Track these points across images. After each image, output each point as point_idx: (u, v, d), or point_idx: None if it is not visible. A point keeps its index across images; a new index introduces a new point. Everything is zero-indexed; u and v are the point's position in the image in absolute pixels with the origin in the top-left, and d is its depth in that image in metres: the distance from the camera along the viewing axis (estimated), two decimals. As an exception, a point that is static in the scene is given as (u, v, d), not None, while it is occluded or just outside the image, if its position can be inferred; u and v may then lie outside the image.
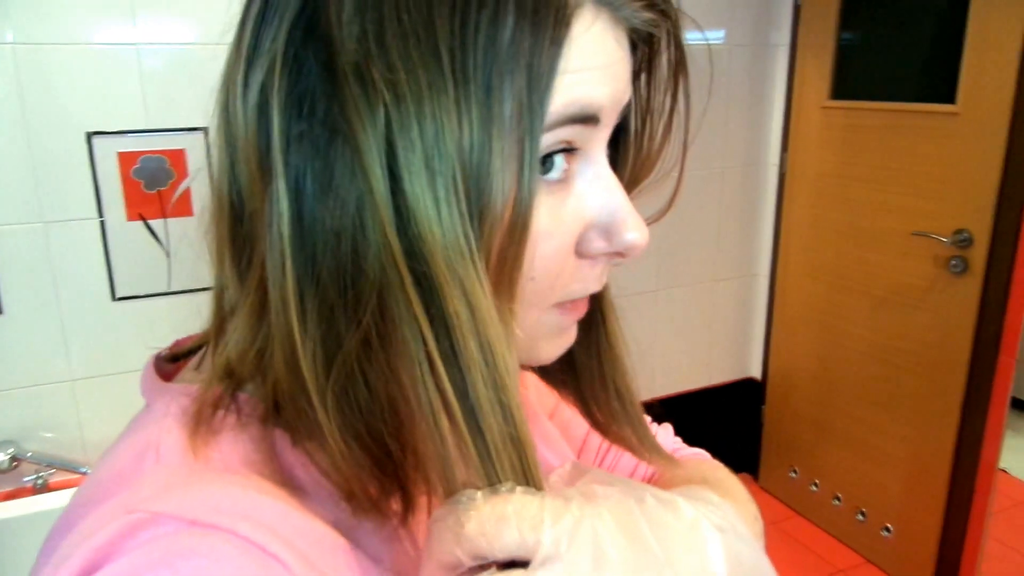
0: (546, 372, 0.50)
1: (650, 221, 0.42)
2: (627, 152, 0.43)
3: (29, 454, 1.70)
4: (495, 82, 0.32)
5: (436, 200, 0.31)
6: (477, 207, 0.32)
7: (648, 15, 0.37)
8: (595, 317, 0.46)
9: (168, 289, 1.77)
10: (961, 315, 1.91)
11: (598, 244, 0.38)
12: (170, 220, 1.74)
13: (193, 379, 0.40)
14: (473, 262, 0.32)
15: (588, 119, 0.35)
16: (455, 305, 0.32)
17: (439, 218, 0.31)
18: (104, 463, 0.36)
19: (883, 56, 2.09)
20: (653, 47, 0.40)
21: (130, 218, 1.71)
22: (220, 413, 0.36)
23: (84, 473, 1.74)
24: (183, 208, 1.75)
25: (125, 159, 1.67)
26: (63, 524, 0.34)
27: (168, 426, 0.36)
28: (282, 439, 0.36)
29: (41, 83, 1.57)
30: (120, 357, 1.77)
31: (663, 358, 2.49)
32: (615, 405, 0.49)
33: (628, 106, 0.40)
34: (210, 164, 0.37)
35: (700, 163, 2.37)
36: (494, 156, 0.32)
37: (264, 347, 0.36)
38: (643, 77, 0.41)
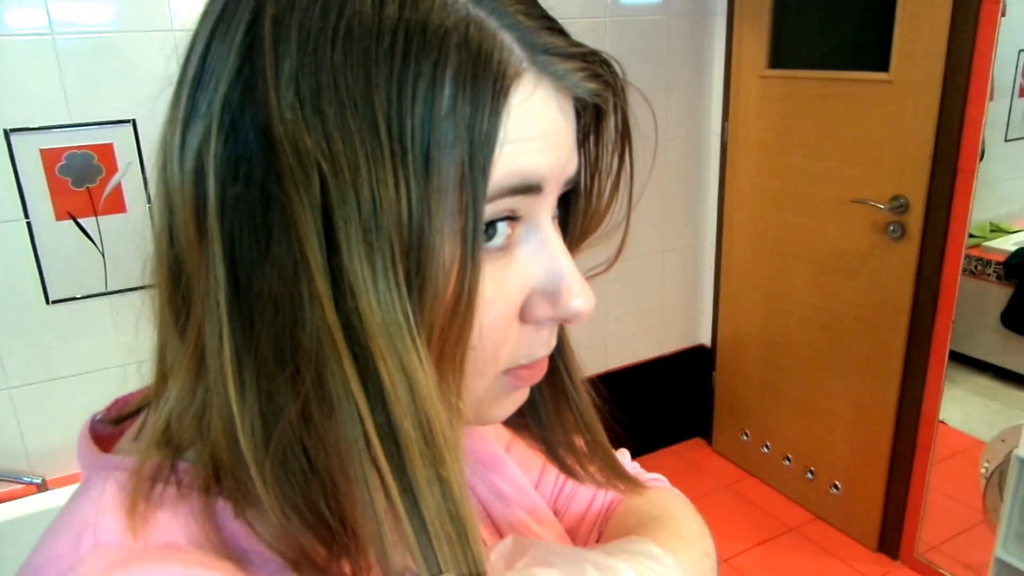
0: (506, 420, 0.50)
1: (595, 273, 0.41)
2: (576, 208, 0.42)
3: (-32, 467, 1.64)
4: (433, 153, 0.31)
5: (375, 274, 0.30)
6: (417, 281, 0.31)
7: (592, 85, 0.36)
8: (554, 364, 0.45)
9: (105, 289, 1.71)
10: (900, 278, 1.96)
11: (542, 310, 0.37)
12: (102, 218, 1.67)
13: (131, 450, 0.38)
14: (412, 337, 0.31)
15: (530, 189, 0.35)
16: (393, 381, 0.31)
17: (377, 292, 0.30)
18: (41, 547, 0.34)
19: (818, 25, 2.11)
20: (600, 110, 0.40)
21: (59, 217, 1.63)
22: (159, 487, 0.34)
23: (29, 483, 1.69)
24: (115, 205, 1.68)
25: (49, 156, 1.60)
26: None
27: (105, 506, 0.34)
28: (224, 509, 0.35)
29: (-49, 80, 1.48)
30: (59, 362, 1.71)
31: (615, 331, 2.52)
32: (581, 445, 0.49)
33: (576, 170, 0.39)
34: (161, 222, 0.35)
35: (642, 135, 2.37)
36: (434, 230, 0.31)
37: (202, 411, 0.34)
38: (591, 138, 0.41)
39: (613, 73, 0.37)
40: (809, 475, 2.37)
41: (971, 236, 1.85)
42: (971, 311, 2.09)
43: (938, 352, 1.94)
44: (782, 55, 2.19)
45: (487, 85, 0.32)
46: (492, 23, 0.33)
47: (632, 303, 2.53)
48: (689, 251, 2.61)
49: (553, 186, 0.36)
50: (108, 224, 1.68)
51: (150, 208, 0.36)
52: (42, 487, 1.70)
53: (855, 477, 2.22)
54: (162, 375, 0.38)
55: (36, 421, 1.71)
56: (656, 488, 0.62)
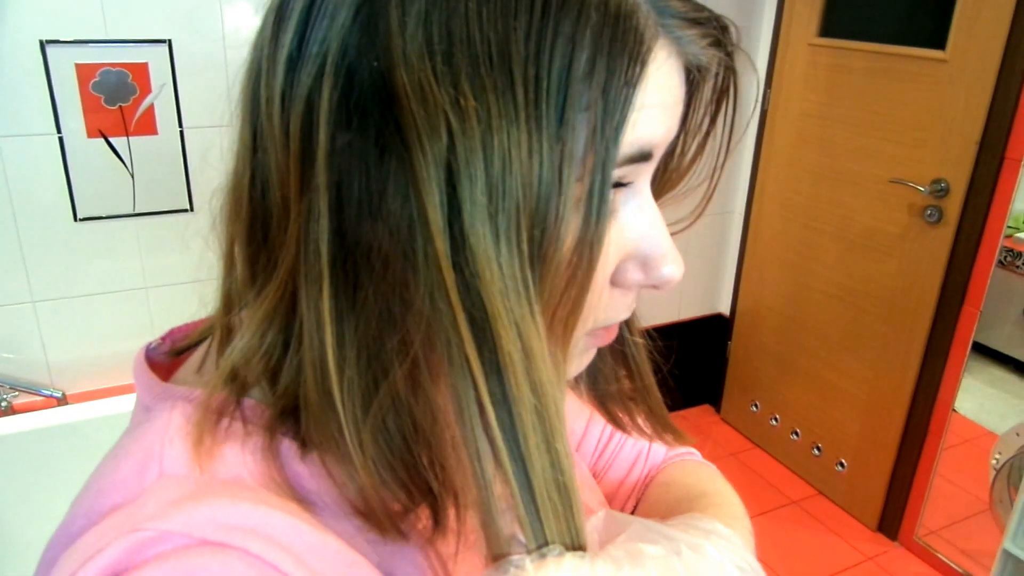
0: None
1: (676, 231, 0.40)
2: (658, 166, 0.41)
3: (-9, 375, 1.66)
4: (568, 116, 0.29)
5: (496, 237, 0.29)
6: (540, 248, 0.30)
7: (712, 52, 0.35)
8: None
9: (133, 211, 1.71)
10: (931, 263, 1.94)
11: (635, 275, 0.37)
12: (133, 138, 1.66)
13: (194, 382, 0.38)
14: (530, 305, 0.30)
15: (644, 157, 0.34)
16: (510, 349, 0.30)
17: (498, 256, 0.29)
18: (105, 470, 0.34)
19: (876, -6, 2.04)
20: (702, 74, 0.38)
21: (90, 135, 1.62)
22: (225, 421, 0.34)
23: (49, 396, 1.71)
24: (147, 126, 1.67)
25: (83, 71, 1.58)
26: (63, 534, 0.33)
27: (171, 436, 0.34)
28: (288, 449, 0.35)
29: (-10, -15, 1.45)
30: (84, 279, 1.72)
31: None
32: (635, 402, 0.49)
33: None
34: (243, 160, 0.34)
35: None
36: (564, 196, 0.30)
37: (276, 354, 0.34)
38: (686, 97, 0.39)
39: (729, 38, 0.36)
40: (816, 451, 2.38)
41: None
42: (996, 302, 2.06)
43: (961, 341, 1.92)
44: (834, 24, 2.12)
45: (625, 50, 0.30)
46: None
47: (654, 266, 2.51)
48: (717, 219, 2.58)
49: (659, 153, 0.35)
50: (139, 145, 1.67)
51: (238, 147, 0.35)
52: (62, 401, 1.73)
53: (862, 456, 2.23)
54: (226, 309, 0.37)
55: (58, 336, 1.73)
56: (694, 461, 0.63)
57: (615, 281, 0.37)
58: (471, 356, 0.30)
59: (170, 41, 1.63)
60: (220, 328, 0.37)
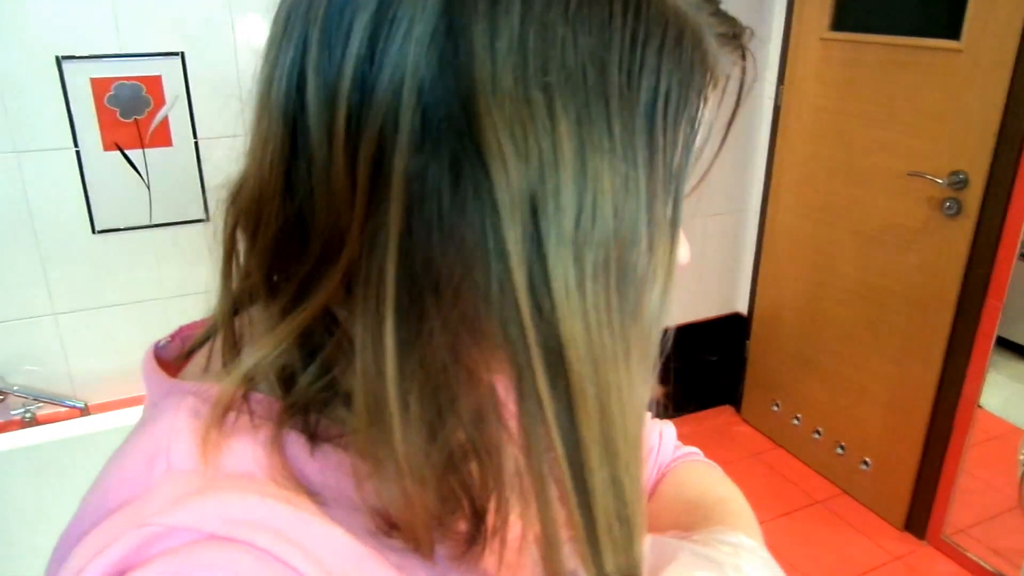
0: None
1: None
2: None
3: (15, 388, 1.69)
4: (656, 144, 0.30)
5: (582, 267, 0.29)
6: (626, 276, 0.30)
7: (739, 62, 0.36)
8: None
9: (150, 222, 1.73)
10: (951, 257, 1.91)
11: None
12: (148, 150, 1.68)
13: (202, 379, 0.37)
14: (612, 335, 0.30)
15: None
16: (583, 383, 0.30)
17: (581, 287, 0.29)
18: (112, 467, 0.34)
19: (888, -14, 2.02)
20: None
21: (106, 148, 1.65)
22: (232, 416, 0.34)
23: (72, 407, 1.73)
24: (162, 138, 1.69)
25: (98, 85, 1.60)
26: (72, 532, 0.33)
27: (178, 430, 0.33)
28: (297, 442, 0.34)
29: (5, 3, 1.48)
30: (103, 291, 1.74)
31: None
32: None
33: None
34: (274, 169, 0.32)
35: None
36: (652, 222, 0.30)
37: (292, 365, 0.34)
38: None
39: (748, 47, 0.36)
40: (839, 450, 2.35)
41: (1031, 217, 1.78)
42: (1019, 295, 2.03)
43: (984, 335, 1.89)
44: (847, 17, 2.10)
45: (701, 78, 0.31)
46: (685, 4, 0.31)
47: (670, 266, 2.49)
48: (732, 217, 2.56)
49: None
50: (154, 157, 1.69)
51: (267, 154, 0.33)
52: (84, 411, 1.75)
53: (886, 454, 2.20)
54: (231, 310, 0.37)
55: (80, 347, 1.75)
56: (702, 462, 0.63)
57: None
58: (542, 390, 0.30)
59: (183, 53, 1.65)
60: (225, 329, 0.37)
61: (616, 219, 0.29)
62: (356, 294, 0.31)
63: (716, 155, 0.41)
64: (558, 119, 0.28)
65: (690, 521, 0.54)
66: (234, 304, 0.37)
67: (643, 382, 0.33)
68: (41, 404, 1.71)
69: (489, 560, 0.36)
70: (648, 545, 0.39)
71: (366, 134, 0.29)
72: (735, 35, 0.34)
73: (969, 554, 2.03)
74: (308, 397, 0.34)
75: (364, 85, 0.29)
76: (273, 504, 0.31)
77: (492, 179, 0.28)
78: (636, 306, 0.31)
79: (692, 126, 0.31)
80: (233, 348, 0.36)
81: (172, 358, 0.42)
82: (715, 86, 0.33)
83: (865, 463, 2.27)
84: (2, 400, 1.67)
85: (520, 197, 0.28)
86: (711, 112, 0.33)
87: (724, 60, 0.34)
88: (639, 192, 0.30)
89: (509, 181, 0.28)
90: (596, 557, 0.32)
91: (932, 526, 2.12)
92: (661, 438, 0.65)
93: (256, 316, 0.36)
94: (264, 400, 0.35)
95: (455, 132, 0.28)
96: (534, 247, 0.28)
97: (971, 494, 2.05)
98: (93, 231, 1.68)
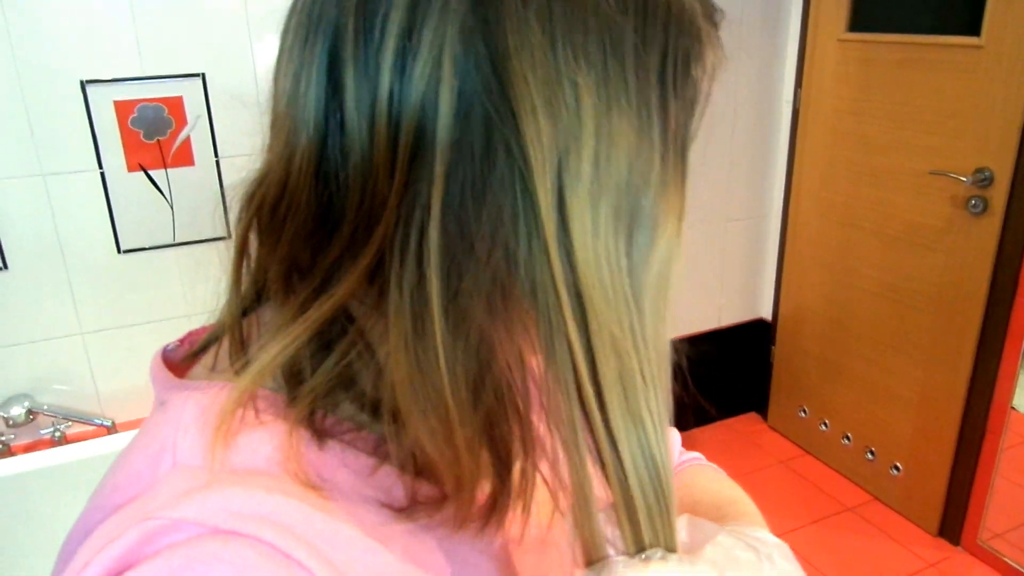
0: None
1: None
2: None
3: (45, 407, 1.71)
4: (668, 101, 0.33)
5: (597, 215, 0.31)
6: (639, 226, 0.32)
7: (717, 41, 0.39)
8: None
9: (174, 240, 1.75)
10: (978, 256, 1.88)
11: None
12: (171, 170, 1.70)
13: (208, 376, 0.38)
14: (631, 282, 0.32)
15: None
16: (612, 328, 0.32)
17: (596, 235, 0.31)
18: (120, 465, 0.35)
19: (905, -15, 2.00)
20: None
21: (130, 169, 1.67)
22: (239, 411, 0.34)
23: (100, 425, 1.75)
24: (184, 158, 1.71)
25: (122, 108, 1.63)
26: (80, 528, 0.33)
27: (184, 427, 0.34)
28: (303, 438, 0.35)
29: (31, 30, 1.51)
30: (129, 310, 1.76)
31: (674, 299, 2.47)
32: None
33: None
34: (304, 155, 0.33)
35: (711, 99, 2.30)
36: (664, 177, 0.33)
37: (304, 359, 0.34)
38: None
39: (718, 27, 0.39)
40: (869, 455, 2.31)
41: (1060, 213, 1.75)
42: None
43: (1016, 335, 1.85)
44: (863, 17, 2.09)
45: (696, 39, 0.34)
46: None
47: (691, 273, 2.48)
48: (753, 222, 2.55)
49: None
50: (177, 177, 1.72)
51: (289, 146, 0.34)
52: (112, 429, 1.77)
53: (918, 459, 2.15)
54: (240, 311, 0.38)
55: (107, 366, 1.78)
56: (710, 466, 0.65)
57: None
58: (572, 335, 0.31)
59: (203, 74, 1.68)
60: (233, 330, 0.37)
61: (629, 170, 0.32)
62: (391, 266, 0.32)
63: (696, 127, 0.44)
64: (583, 79, 0.30)
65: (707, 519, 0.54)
66: (241, 302, 0.37)
67: (658, 328, 0.34)
68: (70, 423, 1.73)
69: (509, 533, 0.38)
70: (684, 523, 0.39)
71: (407, 111, 0.30)
72: (714, 15, 0.37)
73: (1007, 559, 1.98)
74: (316, 392, 0.34)
75: (404, 65, 0.30)
76: (279, 499, 0.31)
77: (524, 139, 0.30)
78: (648, 250, 0.33)
79: (696, 87, 0.34)
80: (241, 349, 0.37)
81: (179, 360, 0.42)
82: (702, 57, 0.36)
83: (896, 468, 2.23)
84: (32, 419, 1.69)
85: (549, 154, 0.30)
86: (707, 78, 0.36)
87: (711, 34, 0.37)
88: (652, 145, 0.32)
89: (540, 139, 0.30)
90: (634, 527, 0.33)
91: (967, 531, 2.07)
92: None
93: (267, 316, 0.37)
94: (270, 396, 0.35)
95: (489, 96, 0.30)
96: (559, 200, 0.31)
97: (1007, 498, 2.01)
98: (118, 251, 1.71)
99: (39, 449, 1.67)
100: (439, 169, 0.30)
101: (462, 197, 0.31)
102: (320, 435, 0.34)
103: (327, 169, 0.32)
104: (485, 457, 0.34)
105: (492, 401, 0.33)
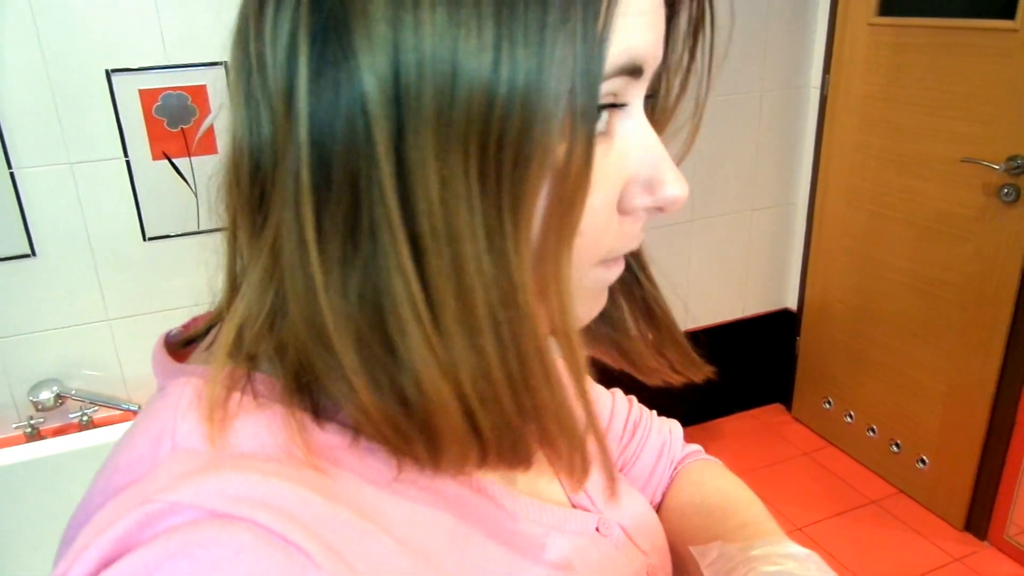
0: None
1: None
2: (645, 108, 0.41)
3: (73, 391, 1.74)
4: (550, 19, 0.28)
5: (444, 153, 0.29)
6: (506, 167, 0.30)
7: None
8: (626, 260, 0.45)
9: (198, 228, 1.77)
10: (1011, 245, 1.83)
11: (640, 199, 0.36)
12: (195, 158, 1.72)
13: (205, 360, 0.38)
14: (484, 226, 0.30)
15: (634, 71, 0.33)
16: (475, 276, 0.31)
17: (441, 174, 0.29)
18: (119, 450, 0.35)
19: (938, -33, 1.95)
20: (674, 6, 0.39)
21: (155, 157, 1.69)
22: (236, 395, 0.34)
23: (127, 410, 1.79)
24: (207, 146, 1.73)
25: (146, 96, 1.65)
26: (81, 513, 0.34)
27: (183, 411, 0.34)
28: (303, 419, 0.35)
29: (57, 20, 1.53)
30: (155, 296, 1.78)
31: (698, 289, 2.46)
32: (656, 335, 0.49)
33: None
34: (239, 124, 0.34)
35: (737, 86, 2.27)
36: (543, 109, 0.29)
37: (275, 309, 0.34)
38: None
39: None
40: (894, 448, 2.28)
41: (1096, 202, 1.70)
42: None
43: (1048, 326, 1.81)
44: (894, 1, 2.04)
45: None
46: None
47: (716, 262, 2.46)
48: (779, 210, 2.51)
49: (649, 71, 0.35)
50: (201, 165, 1.73)
51: (232, 121, 0.35)
52: (137, 414, 1.79)
53: (944, 452, 2.12)
54: (232, 289, 0.38)
55: (133, 352, 1.80)
56: (715, 462, 0.64)
57: (621, 208, 0.36)
58: (407, 267, 0.30)
59: (226, 63, 1.69)
60: (226, 303, 0.38)
61: (483, 102, 0.28)
62: (283, 211, 0.32)
63: (707, 93, 0.41)
64: None
65: (725, 528, 0.54)
66: (234, 283, 0.38)
67: (513, 272, 0.31)
68: (97, 407, 1.76)
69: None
70: (716, 553, 0.39)
71: (277, 57, 0.31)
72: None
73: (1036, 555, 1.94)
74: (300, 361, 0.34)
75: (279, 6, 0.31)
76: (275, 482, 0.31)
77: (354, 65, 0.29)
78: (528, 206, 0.31)
79: (600, 6, 0.29)
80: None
81: (180, 343, 0.43)
82: None
83: (922, 461, 2.19)
84: (61, 404, 1.73)
85: (381, 79, 0.28)
86: (637, 4, 0.32)
87: None
88: (522, 75, 0.28)
89: (373, 62, 0.28)
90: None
91: (994, 526, 2.04)
92: (671, 434, 0.65)
93: None
94: (267, 379, 0.35)
95: (335, 30, 0.29)
96: (398, 134, 0.29)
97: (1036, 492, 1.97)
98: (144, 238, 1.73)
99: (67, 433, 1.71)
100: (302, 112, 0.30)
101: (325, 135, 0.30)
102: (318, 416, 0.35)
103: (256, 134, 0.33)
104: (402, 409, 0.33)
105: (380, 345, 0.33)
